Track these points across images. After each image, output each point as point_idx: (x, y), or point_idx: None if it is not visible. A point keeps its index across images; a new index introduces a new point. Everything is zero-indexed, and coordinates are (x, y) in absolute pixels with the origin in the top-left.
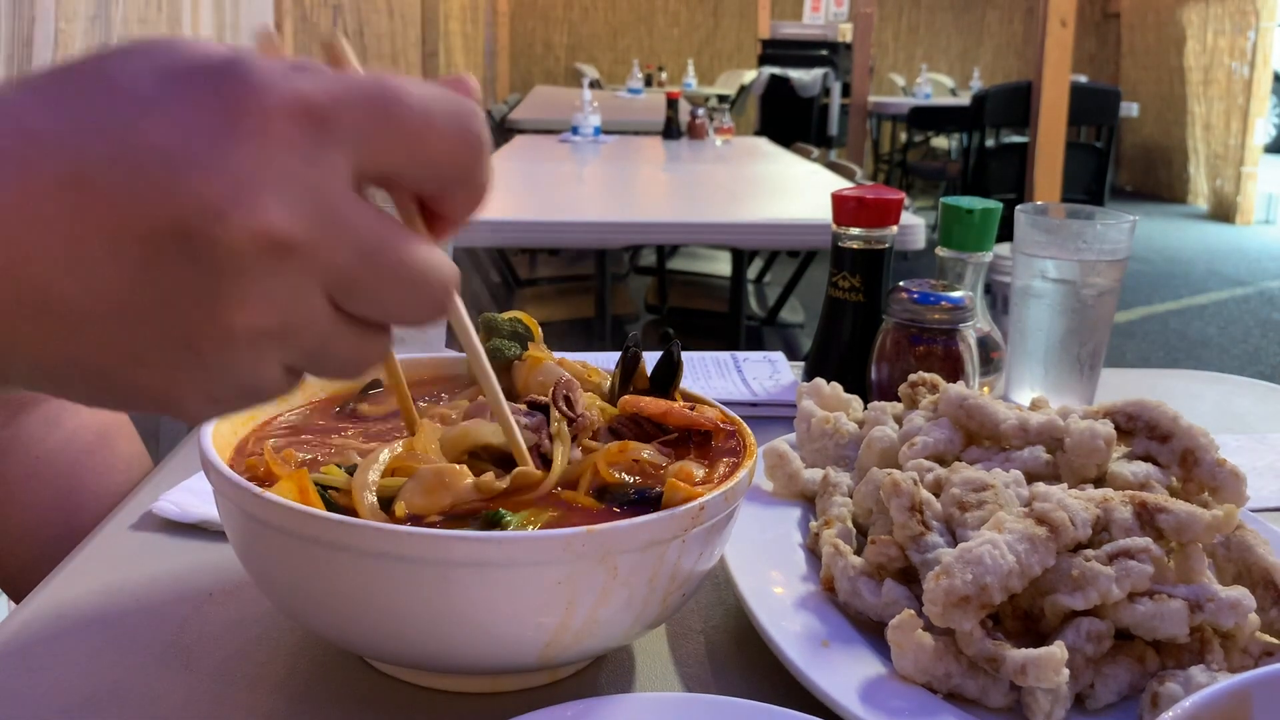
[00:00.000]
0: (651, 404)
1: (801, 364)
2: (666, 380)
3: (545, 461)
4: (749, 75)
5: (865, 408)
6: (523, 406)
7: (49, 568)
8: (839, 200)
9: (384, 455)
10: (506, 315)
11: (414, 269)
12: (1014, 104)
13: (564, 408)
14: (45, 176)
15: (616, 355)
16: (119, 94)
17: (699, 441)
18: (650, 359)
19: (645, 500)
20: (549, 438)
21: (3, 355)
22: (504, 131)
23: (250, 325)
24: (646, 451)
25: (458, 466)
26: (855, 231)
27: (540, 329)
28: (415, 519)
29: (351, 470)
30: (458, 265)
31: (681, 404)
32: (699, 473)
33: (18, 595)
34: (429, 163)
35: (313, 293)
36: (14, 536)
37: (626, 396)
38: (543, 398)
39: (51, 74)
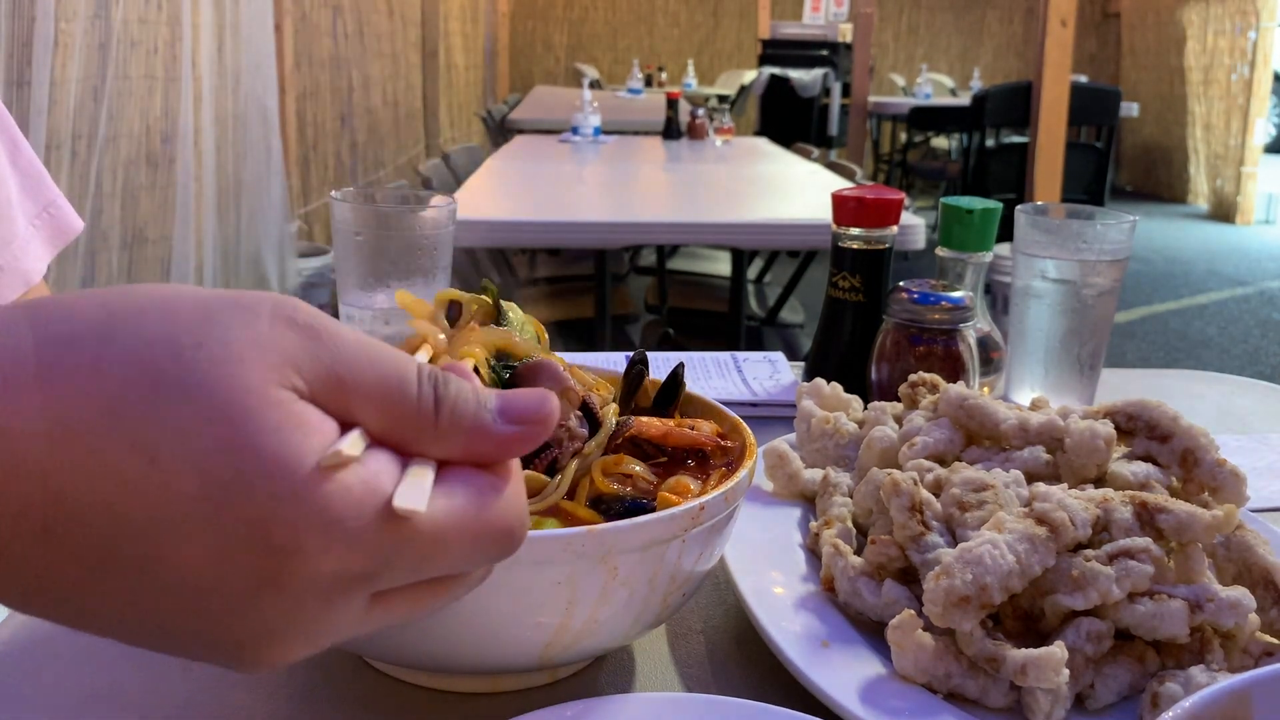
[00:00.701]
0: (650, 426)
1: (801, 364)
2: (669, 401)
3: (551, 472)
4: (749, 75)
5: (865, 408)
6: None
7: None
8: (839, 200)
9: None
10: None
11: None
12: (1014, 104)
13: (576, 426)
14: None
15: (617, 355)
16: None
17: (697, 459)
18: (653, 360)
19: (639, 510)
20: (565, 451)
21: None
22: (504, 131)
23: (277, 653)
24: (638, 466)
25: None
26: (855, 231)
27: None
28: None
29: None
30: (458, 265)
31: (680, 423)
32: (694, 486)
33: None
34: (455, 570)
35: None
36: None
37: (626, 419)
38: (594, 399)
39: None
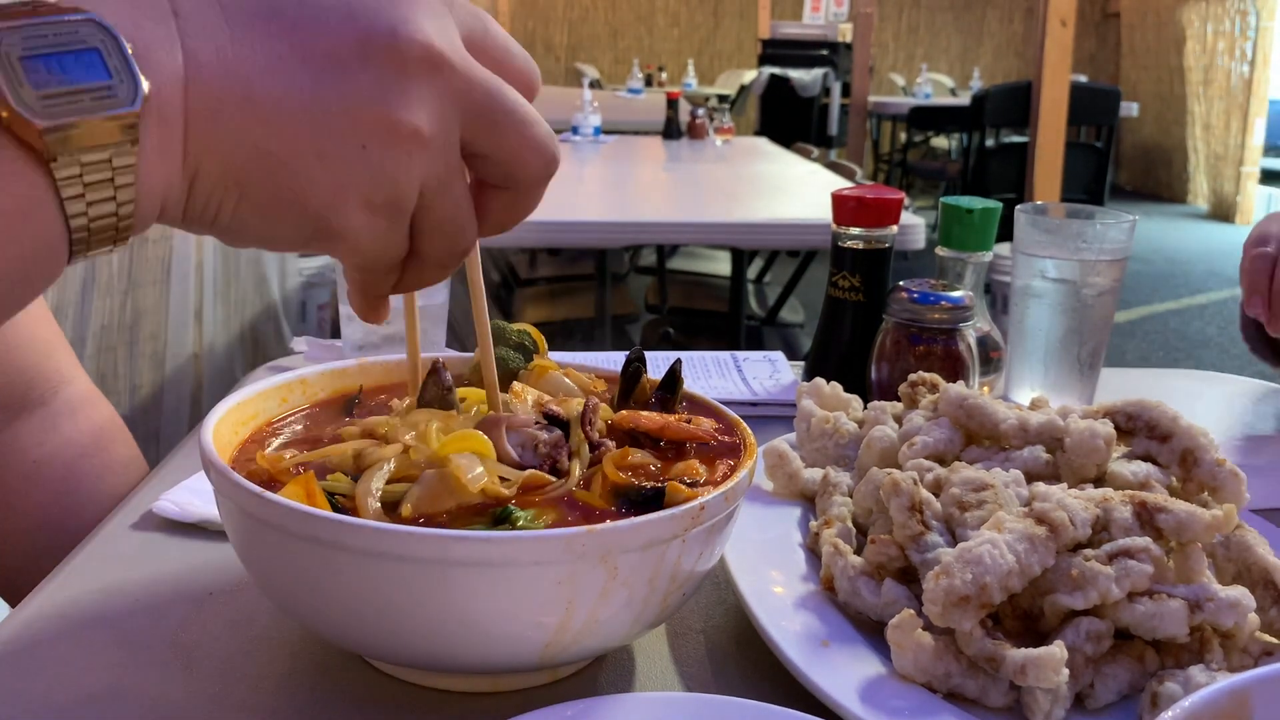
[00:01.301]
0: (648, 420)
1: (801, 364)
2: (668, 396)
3: (555, 474)
4: (749, 75)
5: (865, 408)
6: (537, 418)
7: (44, 572)
8: (839, 200)
9: (388, 466)
10: (515, 326)
11: (525, 115)
12: (1014, 104)
13: (589, 431)
14: (245, 8)
15: (617, 355)
16: None
17: (697, 449)
18: (653, 359)
19: (657, 497)
20: (568, 454)
21: (205, 152)
22: None
23: (410, 123)
24: (639, 455)
25: (461, 463)
26: (855, 231)
27: (544, 339)
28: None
29: (356, 477)
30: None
31: (678, 418)
32: (702, 470)
33: (13, 599)
34: (511, 157)
35: (453, 115)
36: (10, 541)
37: (625, 412)
38: (557, 408)
39: None
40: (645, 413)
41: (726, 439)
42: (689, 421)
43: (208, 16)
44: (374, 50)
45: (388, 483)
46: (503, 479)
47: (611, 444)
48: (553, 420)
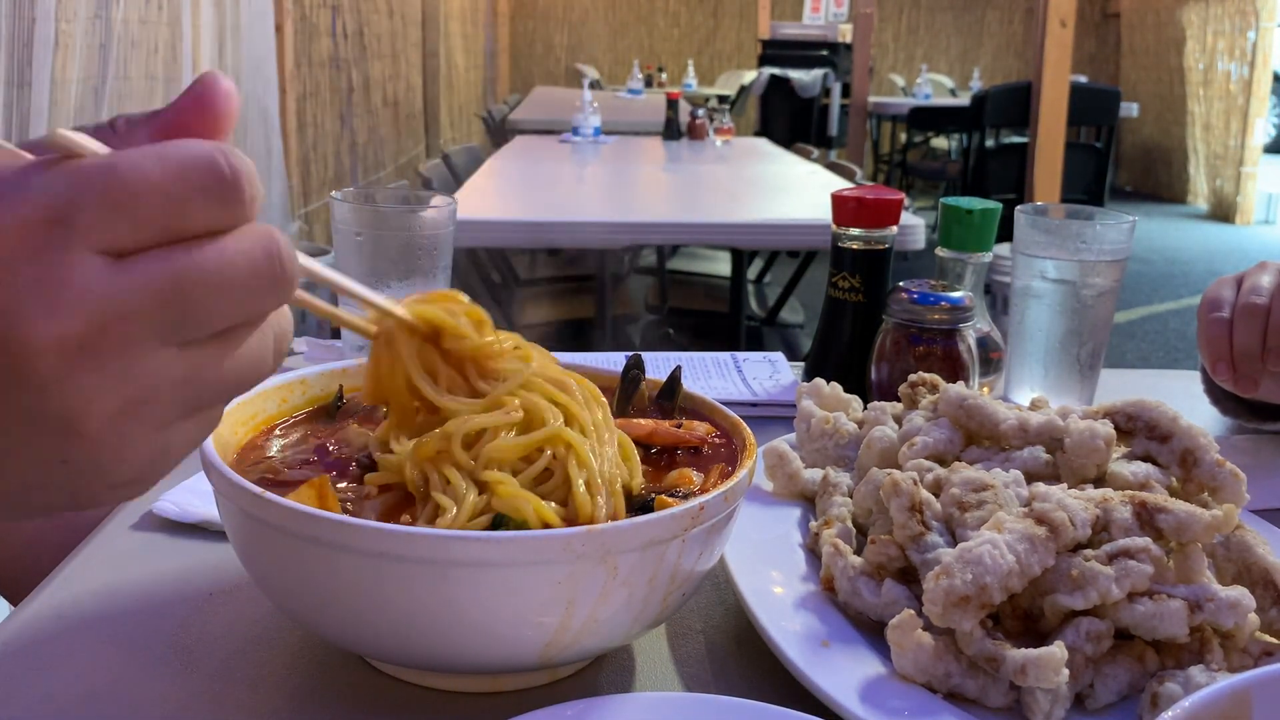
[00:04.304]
0: (638, 427)
1: (801, 364)
2: (668, 402)
3: None
4: (749, 75)
5: (865, 408)
6: None
7: (44, 572)
8: (839, 200)
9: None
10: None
11: (226, 270)
12: (1014, 104)
13: None
14: None
15: (617, 355)
16: None
17: (694, 455)
18: (653, 360)
19: (645, 508)
20: None
21: None
22: (504, 132)
23: (103, 419)
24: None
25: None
26: (855, 232)
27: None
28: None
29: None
30: (457, 265)
31: (671, 423)
32: (696, 478)
33: (14, 599)
34: (177, 215)
35: (145, 355)
36: (10, 541)
37: (617, 421)
38: None
39: None
40: (636, 421)
41: (720, 443)
42: (680, 426)
43: None
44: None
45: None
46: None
47: None
48: None
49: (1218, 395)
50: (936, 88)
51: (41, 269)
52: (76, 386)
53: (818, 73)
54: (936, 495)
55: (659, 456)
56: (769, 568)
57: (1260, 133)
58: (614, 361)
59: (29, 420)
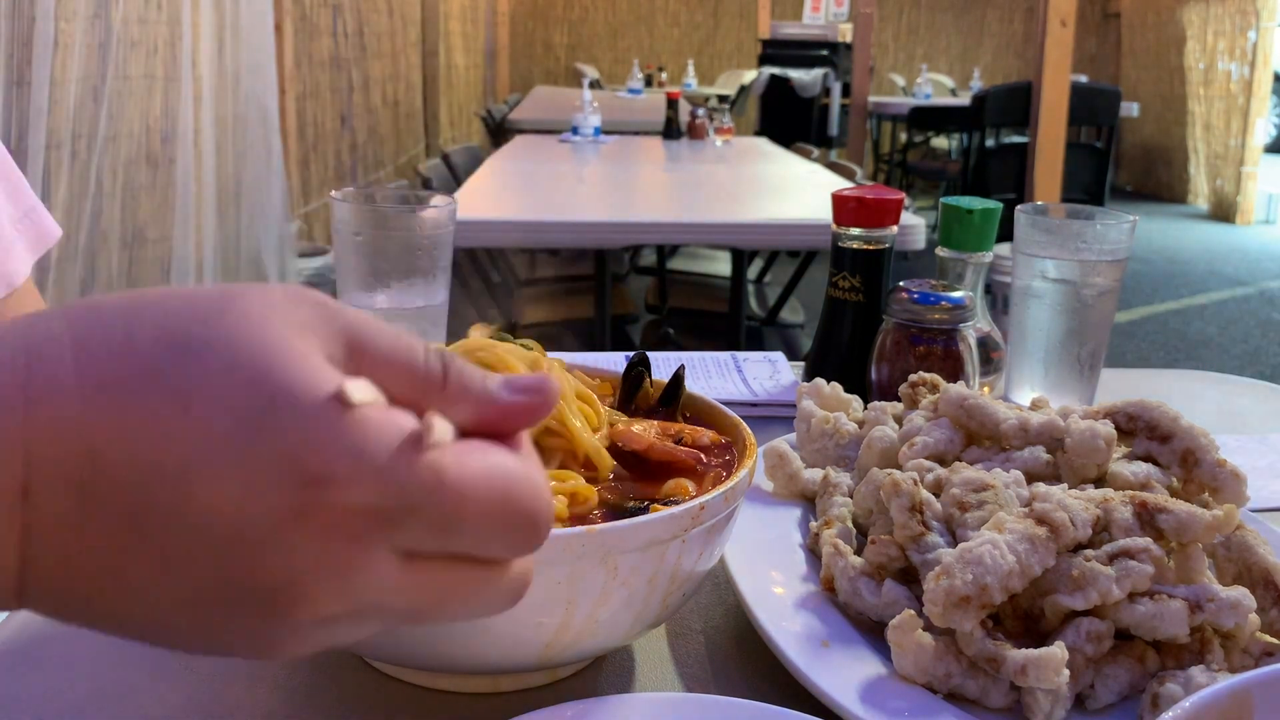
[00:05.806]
0: (635, 439)
1: (801, 364)
2: (671, 403)
3: None
4: (749, 75)
5: (865, 408)
6: None
7: None
8: (839, 200)
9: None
10: (522, 342)
11: (486, 593)
12: (1014, 104)
13: None
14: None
15: (617, 355)
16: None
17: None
18: (654, 360)
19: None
20: None
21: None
22: (504, 132)
23: (312, 647)
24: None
25: None
26: (855, 231)
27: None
28: None
29: None
30: (457, 265)
31: (666, 430)
32: (691, 489)
33: None
34: (483, 546)
35: (379, 622)
36: None
37: (616, 429)
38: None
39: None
40: (634, 430)
41: (714, 461)
42: (679, 439)
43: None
44: (258, 613)
45: None
46: None
47: None
48: None
49: None
50: (937, 87)
51: (351, 555)
52: (308, 635)
53: (818, 72)
54: (937, 495)
55: (655, 466)
56: (769, 568)
57: (1261, 133)
58: (614, 361)
59: (249, 632)
